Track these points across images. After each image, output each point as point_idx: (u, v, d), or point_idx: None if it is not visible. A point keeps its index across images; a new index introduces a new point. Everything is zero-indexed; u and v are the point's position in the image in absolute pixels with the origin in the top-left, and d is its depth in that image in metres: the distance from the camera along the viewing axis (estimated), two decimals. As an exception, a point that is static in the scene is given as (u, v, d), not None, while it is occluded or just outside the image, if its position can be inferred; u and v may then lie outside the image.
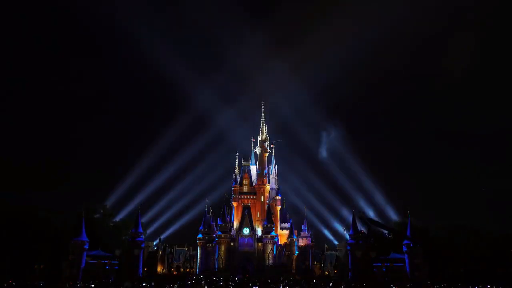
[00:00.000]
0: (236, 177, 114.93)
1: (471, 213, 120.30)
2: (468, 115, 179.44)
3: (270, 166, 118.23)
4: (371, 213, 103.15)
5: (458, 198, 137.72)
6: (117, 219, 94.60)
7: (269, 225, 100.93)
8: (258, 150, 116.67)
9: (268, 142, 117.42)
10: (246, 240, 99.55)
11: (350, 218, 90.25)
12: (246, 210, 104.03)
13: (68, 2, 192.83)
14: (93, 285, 63.77)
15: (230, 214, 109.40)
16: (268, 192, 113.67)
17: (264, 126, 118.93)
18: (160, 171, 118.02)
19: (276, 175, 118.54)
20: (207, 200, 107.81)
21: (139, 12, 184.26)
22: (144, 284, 63.90)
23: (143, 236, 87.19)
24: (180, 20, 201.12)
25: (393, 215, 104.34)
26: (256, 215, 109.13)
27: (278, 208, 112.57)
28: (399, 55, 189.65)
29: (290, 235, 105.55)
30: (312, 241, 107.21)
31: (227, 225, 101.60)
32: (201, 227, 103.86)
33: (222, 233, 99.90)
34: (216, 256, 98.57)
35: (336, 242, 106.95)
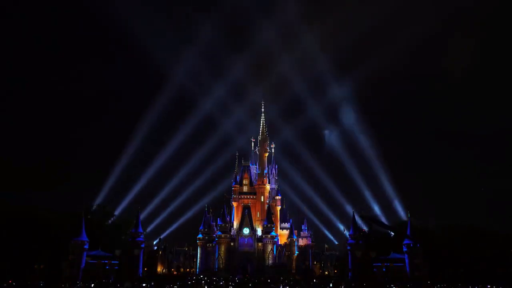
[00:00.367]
0: (236, 177, 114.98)
1: (471, 213, 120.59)
2: (468, 115, 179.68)
3: (270, 166, 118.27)
4: (371, 213, 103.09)
5: (458, 198, 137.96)
6: (117, 219, 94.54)
7: (269, 225, 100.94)
8: (258, 150, 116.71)
9: (268, 142, 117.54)
10: (246, 240, 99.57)
11: (350, 218, 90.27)
12: (246, 210, 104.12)
13: (68, 2, 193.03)
14: (93, 285, 63.71)
15: (230, 214, 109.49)
16: (268, 192, 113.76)
17: (264, 126, 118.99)
18: (160, 171, 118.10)
19: (276, 175, 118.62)
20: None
21: (142, 12, 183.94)
22: (144, 284, 63.85)
23: (143, 236, 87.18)
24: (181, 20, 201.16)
25: (393, 215, 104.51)
26: (256, 215, 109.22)
27: (278, 208, 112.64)
28: (399, 55, 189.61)
29: (290, 235, 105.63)
30: (312, 241, 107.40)
31: (227, 225, 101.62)
32: (201, 227, 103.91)
33: (222, 233, 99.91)
34: (216, 256, 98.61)
35: (336, 242, 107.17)
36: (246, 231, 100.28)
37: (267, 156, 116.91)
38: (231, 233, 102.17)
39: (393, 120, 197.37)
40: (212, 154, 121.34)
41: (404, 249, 79.25)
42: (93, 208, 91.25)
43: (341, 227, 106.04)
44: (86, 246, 76.75)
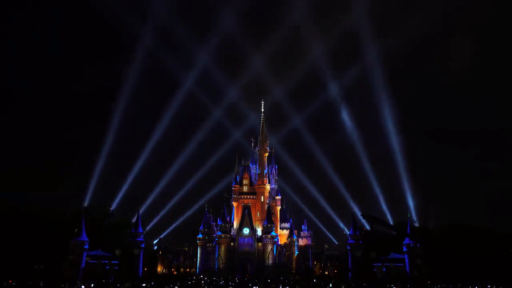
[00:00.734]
0: (236, 177, 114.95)
1: (471, 212, 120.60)
2: (468, 115, 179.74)
3: (270, 166, 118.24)
4: (371, 213, 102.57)
5: (458, 198, 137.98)
6: (117, 218, 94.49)
7: (269, 225, 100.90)
8: (258, 150, 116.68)
9: (268, 142, 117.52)
10: (246, 240, 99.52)
11: (350, 218, 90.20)
12: (246, 210, 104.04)
13: (68, 2, 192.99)
14: (93, 285, 63.59)
15: (230, 214, 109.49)
16: (268, 192, 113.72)
17: (264, 126, 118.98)
18: (160, 171, 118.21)
19: (276, 175, 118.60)
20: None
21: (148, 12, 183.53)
22: (144, 284, 63.74)
23: (143, 236, 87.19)
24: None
25: (393, 215, 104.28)
26: (256, 215, 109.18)
27: (278, 208, 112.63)
28: (400, 55, 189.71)
29: (290, 235, 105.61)
30: (312, 241, 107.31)
31: (227, 225, 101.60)
32: (201, 227, 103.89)
33: (222, 233, 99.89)
34: (216, 256, 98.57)
35: (336, 242, 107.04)
36: (246, 231, 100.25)
37: (267, 156, 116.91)
38: (231, 233, 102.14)
39: (393, 120, 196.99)
40: (212, 154, 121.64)
41: (404, 249, 79.29)
42: (89, 206, 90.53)
43: (342, 226, 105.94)
44: (86, 246, 76.80)
